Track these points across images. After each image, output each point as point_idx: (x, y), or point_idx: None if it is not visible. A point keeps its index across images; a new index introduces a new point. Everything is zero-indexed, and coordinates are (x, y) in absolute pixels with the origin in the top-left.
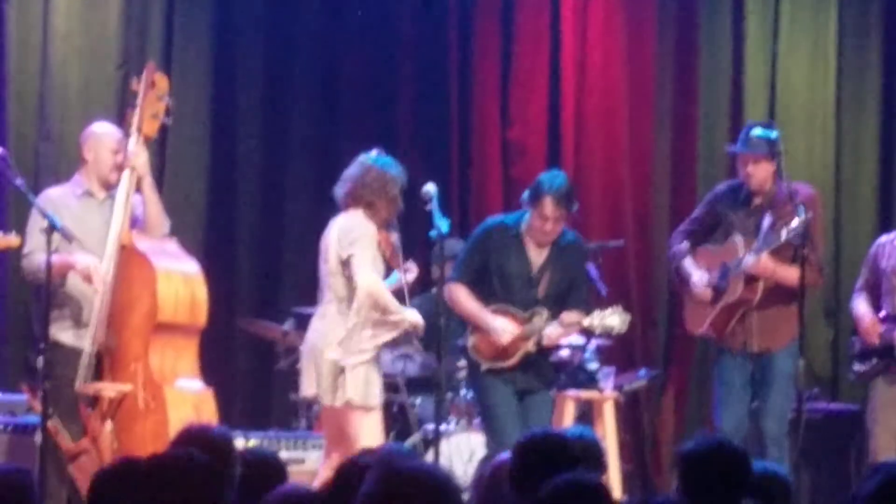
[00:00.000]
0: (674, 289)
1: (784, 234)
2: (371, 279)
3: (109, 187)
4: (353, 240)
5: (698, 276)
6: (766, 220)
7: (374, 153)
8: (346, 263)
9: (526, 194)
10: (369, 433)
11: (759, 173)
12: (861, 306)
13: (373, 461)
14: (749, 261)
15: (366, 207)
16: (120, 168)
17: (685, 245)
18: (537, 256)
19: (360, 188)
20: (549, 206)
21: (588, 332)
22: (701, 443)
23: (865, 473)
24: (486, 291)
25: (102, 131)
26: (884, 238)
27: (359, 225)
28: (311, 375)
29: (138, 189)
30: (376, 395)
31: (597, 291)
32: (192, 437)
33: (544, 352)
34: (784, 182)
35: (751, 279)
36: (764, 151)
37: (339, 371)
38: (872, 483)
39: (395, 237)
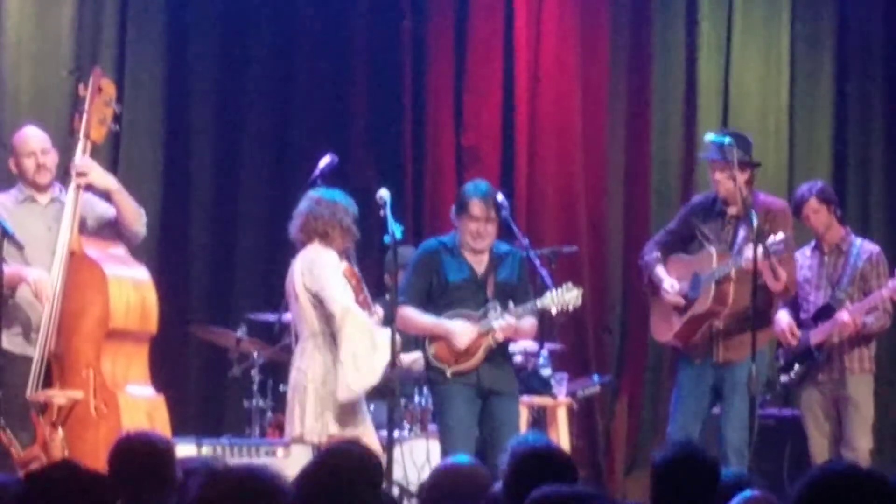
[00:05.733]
0: (636, 295)
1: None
2: (346, 302)
3: (42, 189)
4: (318, 274)
5: (669, 283)
6: (742, 233)
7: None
8: (316, 296)
9: (453, 209)
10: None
11: (726, 181)
12: (779, 314)
13: (197, 465)
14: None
15: (320, 238)
16: (43, 168)
17: (657, 254)
18: (478, 265)
19: (311, 220)
20: (476, 206)
21: (545, 312)
22: (673, 451)
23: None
24: (437, 307)
25: (18, 140)
26: (797, 253)
27: (319, 256)
28: (296, 415)
29: (89, 189)
30: (364, 421)
31: None
32: (132, 443)
33: (505, 346)
34: (759, 194)
35: (720, 292)
36: (718, 157)
37: (326, 405)
38: (799, 485)
39: (356, 269)
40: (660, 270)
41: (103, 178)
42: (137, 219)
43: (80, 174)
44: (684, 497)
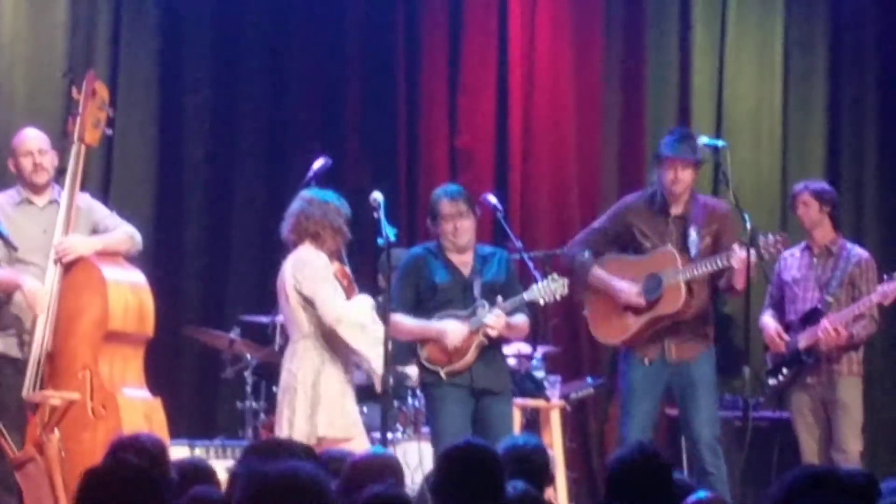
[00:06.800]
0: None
1: (737, 249)
2: (339, 311)
3: (40, 190)
4: (308, 276)
5: (627, 285)
6: (693, 232)
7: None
8: (307, 299)
9: (428, 220)
10: None
11: (687, 179)
12: (766, 319)
13: (239, 467)
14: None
15: (311, 239)
16: (40, 168)
17: (588, 254)
18: (464, 266)
19: (302, 221)
20: (445, 205)
21: (536, 307)
22: (628, 452)
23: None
24: (426, 311)
25: (16, 140)
26: (786, 252)
27: (310, 258)
28: (285, 417)
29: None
30: (355, 424)
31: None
32: (126, 445)
33: (499, 345)
34: (700, 196)
35: (692, 293)
36: (698, 158)
37: (316, 407)
38: (780, 484)
39: (348, 269)
40: (601, 272)
41: (87, 247)
42: (132, 245)
43: (62, 255)
44: (638, 499)
